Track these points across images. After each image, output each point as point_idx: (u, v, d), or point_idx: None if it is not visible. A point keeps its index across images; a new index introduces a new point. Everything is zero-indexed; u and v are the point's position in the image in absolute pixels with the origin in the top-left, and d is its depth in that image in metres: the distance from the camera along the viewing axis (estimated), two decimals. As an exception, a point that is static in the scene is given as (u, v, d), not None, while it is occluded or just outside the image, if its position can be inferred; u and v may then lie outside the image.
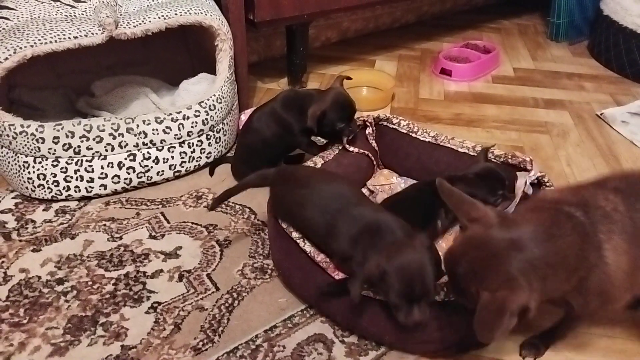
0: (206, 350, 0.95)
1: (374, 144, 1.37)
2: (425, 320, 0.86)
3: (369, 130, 1.38)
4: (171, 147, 1.35)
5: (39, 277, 1.10)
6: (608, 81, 2.06)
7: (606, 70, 2.15)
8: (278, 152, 1.37)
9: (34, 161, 1.26)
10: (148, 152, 1.33)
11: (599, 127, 1.73)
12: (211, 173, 1.45)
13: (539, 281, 0.73)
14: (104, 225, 1.25)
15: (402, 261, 0.85)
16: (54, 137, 1.23)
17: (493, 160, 1.24)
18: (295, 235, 1.02)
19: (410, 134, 1.35)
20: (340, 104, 1.30)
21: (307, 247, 1.00)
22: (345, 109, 1.30)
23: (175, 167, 1.38)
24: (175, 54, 1.72)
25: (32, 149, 1.24)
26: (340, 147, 1.33)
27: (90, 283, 1.09)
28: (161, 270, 1.12)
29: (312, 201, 0.99)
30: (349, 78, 1.44)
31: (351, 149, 1.33)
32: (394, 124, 1.38)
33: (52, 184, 1.28)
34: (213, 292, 1.07)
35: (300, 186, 1.04)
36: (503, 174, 1.15)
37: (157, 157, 1.34)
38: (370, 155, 1.36)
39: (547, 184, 1.13)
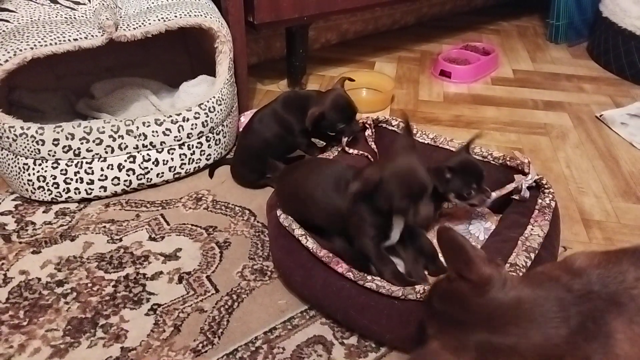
0: (206, 352, 0.95)
1: (374, 146, 1.38)
2: (431, 213, 0.94)
3: (368, 132, 1.38)
4: (171, 149, 1.35)
5: (39, 279, 1.10)
6: (607, 83, 2.07)
7: (605, 72, 2.16)
8: (278, 153, 1.37)
9: (34, 163, 1.26)
10: (148, 154, 1.33)
11: (598, 129, 1.74)
12: (211, 175, 1.45)
13: None
14: (104, 227, 1.25)
15: (395, 166, 0.95)
16: (54, 139, 1.23)
17: (492, 162, 1.24)
18: (297, 232, 1.02)
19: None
20: (339, 105, 1.30)
21: (310, 244, 1.00)
22: (344, 109, 1.31)
23: (175, 169, 1.38)
24: (175, 56, 1.72)
25: (32, 151, 1.24)
26: (339, 149, 1.33)
27: (90, 285, 1.09)
28: (161, 272, 1.12)
29: (314, 179, 1.09)
30: (351, 80, 1.44)
31: (350, 150, 1.33)
32: (393, 126, 1.38)
33: (52, 185, 1.28)
34: (213, 294, 1.07)
35: (303, 170, 1.15)
36: (480, 167, 1.14)
37: (156, 159, 1.34)
38: (369, 156, 1.36)
39: (546, 186, 1.13)
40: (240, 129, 1.57)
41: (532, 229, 1.03)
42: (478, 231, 1.20)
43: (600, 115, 1.79)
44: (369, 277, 0.94)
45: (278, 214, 1.08)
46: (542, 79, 2.10)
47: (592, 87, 2.03)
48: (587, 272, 0.68)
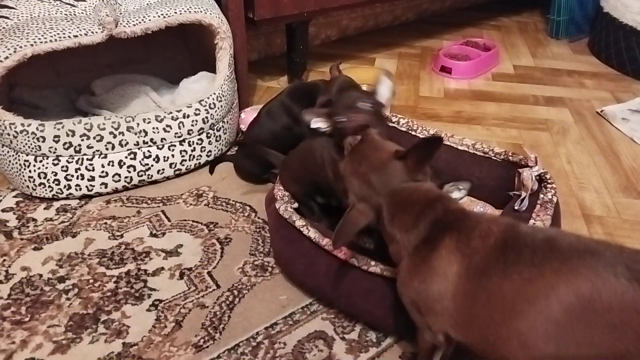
0: (207, 347, 0.95)
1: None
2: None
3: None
4: (171, 145, 1.35)
5: (41, 275, 1.10)
6: (608, 78, 2.06)
7: (606, 68, 2.15)
8: (286, 145, 1.36)
9: (35, 160, 1.26)
10: (149, 151, 1.33)
11: (599, 125, 1.74)
12: (211, 171, 1.45)
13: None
14: (105, 223, 1.25)
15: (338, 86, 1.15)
16: (55, 136, 1.23)
17: (493, 158, 1.24)
18: (298, 223, 1.03)
19: (410, 132, 1.35)
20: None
21: (312, 234, 1.01)
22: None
23: (175, 166, 1.38)
24: (175, 52, 1.72)
25: (32, 148, 1.24)
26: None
27: (91, 281, 1.09)
28: (162, 268, 1.13)
29: (318, 142, 1.14)
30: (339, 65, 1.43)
31: None
32: (392, 123, 1.38)
33: (53, 182, 1.28)
34: (214, 290, 1.07)
35: (306, 143, 1.20)
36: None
37: (157, 156, 1.34)
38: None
39: (549, 181, 1.13)
40: (241, 125, 1.57)
41: (534, 224, 1.03)
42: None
43: (601, 111, 1.79)
44: (373, 262, 0.94)
45: (277, 207, 1.08)
46: (543, 74, 2.10)
47: (593, 82, 2.03)
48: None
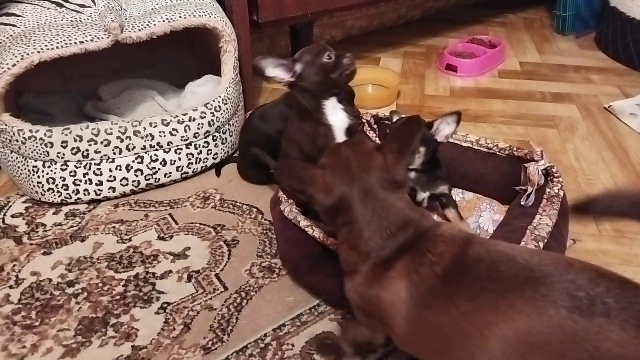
0: (216, 349, 0.95)
1: (374, 139, 1.37)
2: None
3: (367, 127, 1.38)
4: (178, 148, 1.36)
5: (50, 280, 1.11)
6: (616, 73, 2.04)
7: (614, 63, 2.13)
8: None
9: (43, 165, 1.27)
10: (155, 154, 1.34)
11: (607, 120, 1.72)
12: (218, 174, 1.46)
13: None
14: (113, 227, 1.26)
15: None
16: (63, 142, 1.25)
17: (498, 153, 1.24)
18: (303, 224, 1.03)
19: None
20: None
21: (316, 234, 1.01)
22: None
23: (182, 169, 1.39)
24: (181, 56, 1.73)
25: (41, 154, 1.25)
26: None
27: (100, 285, 1.10)
28: (170, 271, 1.13)
29: None
30: None
31: None
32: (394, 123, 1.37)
33: (62, 187, 1.30)
34: (222, 292, 1.08)
35: None
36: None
37: (164, 159, 1.35)
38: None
39: (555, 175, 1.12)
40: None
41: (540, 219, 1.02)
42: (487, 224, 1.20)
43: (609, 106, 1.77)
44: None
45: (282, 208, 1.08)
46: (550, 70, 2.08)
47: (600, 78, 2.01)
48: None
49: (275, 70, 1.09)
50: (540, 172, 1.11)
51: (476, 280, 0.67)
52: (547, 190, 1.10)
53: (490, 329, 0.64)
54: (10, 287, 1.10)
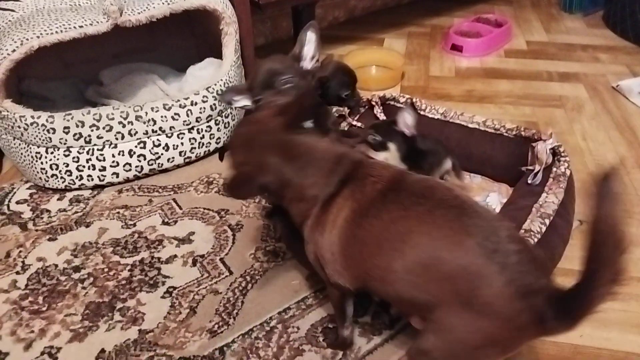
0: (222, 332, 0.96)
1: (383, 117, 1.36)
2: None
3: (376, 109, 1.36)
4: (180, 133, 1.35)
5: (56, 265, 1.12)
6: (624, 52, 2.01)
7: (622, 41, 2.09)
8: None
9: (46, 151, 1.27)
10: (158, 139, 1.33)
11: (614, 100, 1.69)
12: (221, 158, 1.43)
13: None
14: (118, 212, 1.26)
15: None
16: (65, 127, 1.24)
17: (505, 134, 1.22)
18: None
19: (419, 111, 1.33)
20: (341, 72, 1.27)
21: None
22: (346, 75, 1.28)
23: (185, 154, 1.38)
24: (181, 39, 1.71)
25: (43, 140, 1.25)
26: (346, 124, 1.32)
27: (106, 270, 1.10)
28: (175, 256, 1.13)
29: None
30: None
31: (355, 122, 1.31)
32: (400, 103, 1.36)
33: (65, 173, 1.29)
34: (227, 276, 1.08)
35: None
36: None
37: (167, 144, 1.34)
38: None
39: (563, 154, 1.11)
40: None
41: (546, 197, 1.02)
42: (495, 203, 1.19)
43: (617, 86, 1.74)
44: None
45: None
46: (557, 50, 2.05)
47: (608, 56, 1.98)
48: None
49: (241, 100, 1.07)
50: (548, 151, 1.10)
51: (412, 195, 0.74)
52: (554, 169, 1.09)
53: (410, 235, 0.71)
54: (17, 272, 1.10)
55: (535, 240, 0.92)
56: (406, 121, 1.10)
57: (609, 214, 0.58)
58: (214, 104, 1.37)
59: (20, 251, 1.16)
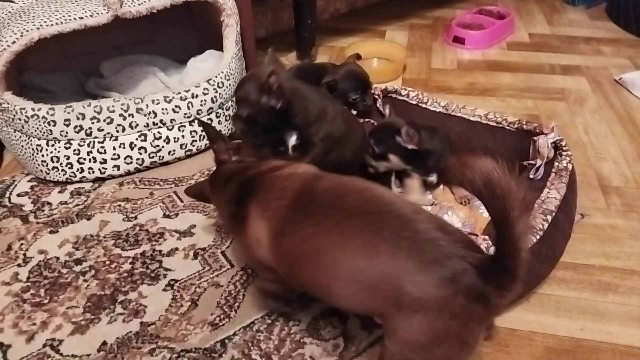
0: (223, 325, 0.96)
1: (387, 112, 1.35)
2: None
3: (379, 103, 1.36)
4: (181, 126, 1.35)
5: (58, 258, 1.12)
6: (627, 45, 1.99)
7: (625, 34, 2.08)
8: None
9: (47, 144, 1.27)
10: (159, 132, 1.33)
11: (617, 93, 1.69)
12: (222, 151, 1.44)
13: None
14: (119, 205, 1.26)
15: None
16: (65, 120, 1.24)
17: (507, 127, 1.22)
18: None
19: (420, 104, 1.33)
20: (352, 76, 1.29)
21: None
22: (357, 80, 1.30)
23: (186, 146, 1.38)
24: (182, 31, 1.70)
25: (44, 132, 1.25)
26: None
27: (107, 262, 1.10)
28: (176, 249, 1.13)
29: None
30: (359, 56, 1.42)
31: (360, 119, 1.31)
32: (402, 96, 1.36)
33: (66, 166, 1.29)
34: (228, 269, 1.08)
35: None
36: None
37: (167, 137, 1.34)
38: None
39: (564, 148, 1.11)
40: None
41: (548, 192, 1.01)
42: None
43: (620, 79, 1.73)
44: None
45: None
46: (559, 42, 2.04)
47: (611, 49, 1.96)
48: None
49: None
50: (549, 145, 1.10)
51: (322, 207, 0.73)
52: (556, 164, 1.08)
53: (326, 251, 0.70)
54: (19, 265, 1.10)
55: (537, 237, 0.92)
56: (405, 141, 1.10)
57: (486, 171, 0.60)
58: (215, 97, 1.37)
59: (21, 244, 1.16)
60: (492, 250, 0.87)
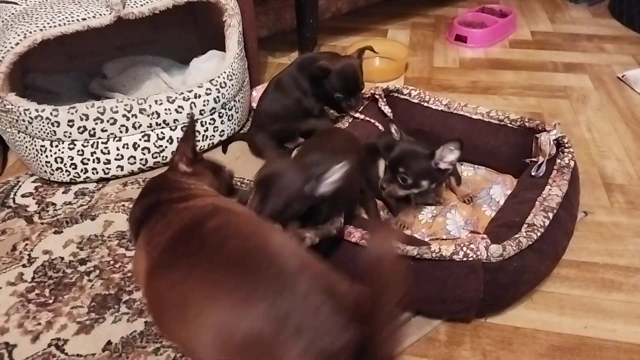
0: (227, 324, 0.96)
1: (388, 111, 1.35)
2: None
3: (380, 102, 1.36)
4: (184, 126, 1.35)
5: (62, 258, 1.12)
6: (630, 42, 1.99)
7: (628, 31, 2.07)
8: (297, 115, 1.35)
9: (51, 145, 1.27)
10: (162, 132, 1.33)
11: (620, 90, 1.68)
12: (224, 151, 1.45)
13: None
14: (123, 205, 1.26)
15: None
16: (69, 120, 1.24)
17: (509, 125, 1.22)
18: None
19: (422, 103, 1.33)
20: (344, 74, 1.26)
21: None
22: (347, 81, 1.27)
23: (189, 146, 1.38)
24: (184, 31, 1.71)
25: (48, 133, 1.25)
26: (350, 117, 1.32)
27: (112, 262, 1.11)
28: (180, 248, 1.14)
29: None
30: (372, 50, 1.39)
31: (358, 115, 1.31)
32: (404, 95, 1.35)
33: (70, 166, 1.30)
34: (231, 268, 1.08)
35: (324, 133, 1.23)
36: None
37: (170, 137, 1.35)
38: (376, 123, 1.33)
39: (567, 145, 1.11)
40: (253, 103, 1.56)
41: (550, 189, 1.01)
42: (499, 195, 1.19)
43: (623, 76, 1.73)
44: None
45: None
46: (562, 40, 2.03)
47: (613, 47, 1.96)
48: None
49: None
50: (551, 142, 1.10)
51: (201, 249, 0.66)
52: (558, 161, 1.08)
53: (195, 301, 0.61)
54: (24, 265, 1.11)
55: (539, 234, 0.92)
56: (448, 157, 1.06)
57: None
58: (218, 97, 1.37)
59: (26, 244, 1.16)
60: (491, 249, 0.88)
